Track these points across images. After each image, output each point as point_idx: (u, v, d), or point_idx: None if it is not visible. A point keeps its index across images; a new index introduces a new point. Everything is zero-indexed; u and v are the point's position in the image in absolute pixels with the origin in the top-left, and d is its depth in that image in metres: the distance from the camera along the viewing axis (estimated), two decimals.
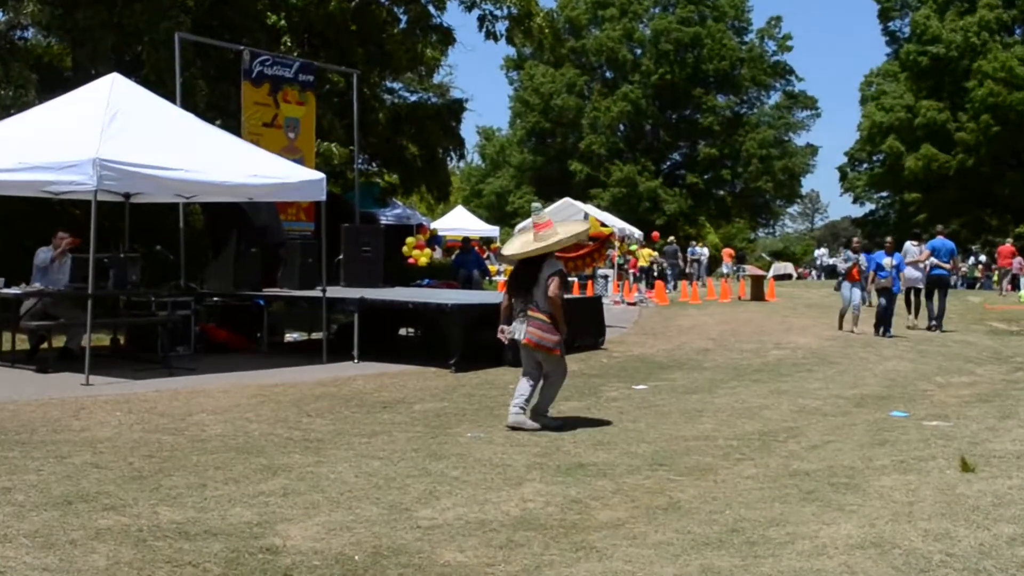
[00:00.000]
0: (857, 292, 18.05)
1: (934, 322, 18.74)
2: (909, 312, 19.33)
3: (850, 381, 11.84)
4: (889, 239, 19.13)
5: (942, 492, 6.19)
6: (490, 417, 8.99)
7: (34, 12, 17.03)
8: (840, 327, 18.34)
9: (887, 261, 17.96)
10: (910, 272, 19.00)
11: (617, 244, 30.20)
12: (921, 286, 19.27)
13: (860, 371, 12.85)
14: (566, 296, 8.58)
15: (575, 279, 25.46)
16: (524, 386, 8.37)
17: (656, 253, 36.58)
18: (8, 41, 18.94)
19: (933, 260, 19.08)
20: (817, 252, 55.81)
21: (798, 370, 12.92)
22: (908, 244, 19.54)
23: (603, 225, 31.51)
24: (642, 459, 7.20)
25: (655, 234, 39.24)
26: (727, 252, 42.17)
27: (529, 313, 8.13)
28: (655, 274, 34.54)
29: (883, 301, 17.74)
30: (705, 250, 40.59)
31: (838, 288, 18.69)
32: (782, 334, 17.82)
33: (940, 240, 19.37)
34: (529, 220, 8.55)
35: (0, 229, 16.67)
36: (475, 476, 6.56)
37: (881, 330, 17.51)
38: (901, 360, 14.04)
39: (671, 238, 38.46)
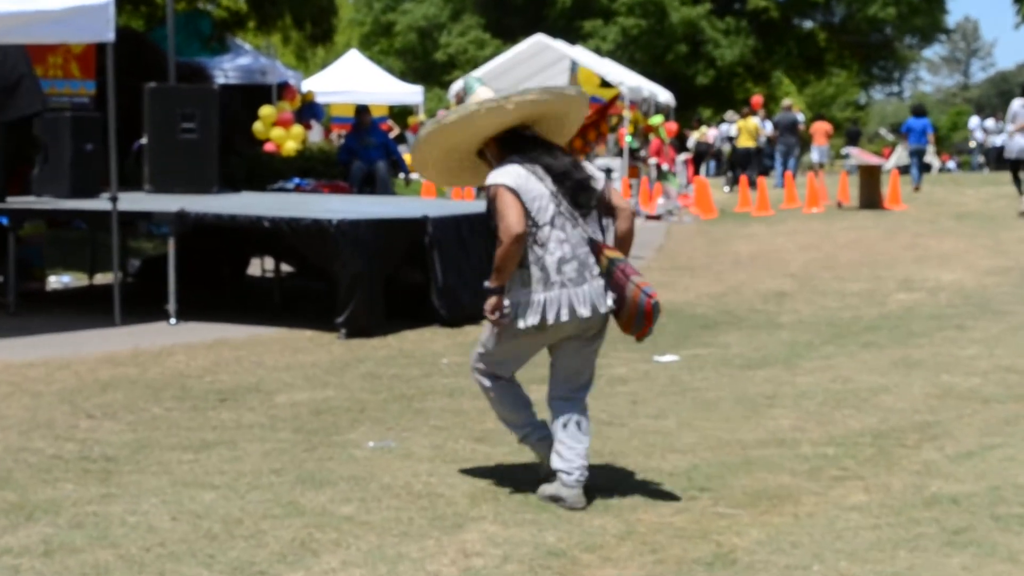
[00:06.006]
0: None
1: None
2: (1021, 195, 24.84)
3: None
4: None
5: None
6: (408, 413, 8.99)
7: None
8: None
9: None
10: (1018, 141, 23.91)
11: (628, 116, 30.18)
12: None
13: None
14: None
15: None
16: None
17: (764, 130, 36.44)
18: None
19: None
20: (973, 123, 55.76)
21: (941, 327, 13.03)
22: (1015, 102, 24.02)
23: (604, 84, 31.61)
24: (671, 480, 7.24)
25: (756, 99, 38.87)
26: (820, 128, 42.11)
27: (606, 253, 6.91)
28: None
29: None
30: (800, 115, 40.56)
31: None
32: (913, 266, 17.96)
33: None
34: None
35: None
36: (381, 515, 6.58)
37: None
38: None
39: (786, 101, 38.56)
